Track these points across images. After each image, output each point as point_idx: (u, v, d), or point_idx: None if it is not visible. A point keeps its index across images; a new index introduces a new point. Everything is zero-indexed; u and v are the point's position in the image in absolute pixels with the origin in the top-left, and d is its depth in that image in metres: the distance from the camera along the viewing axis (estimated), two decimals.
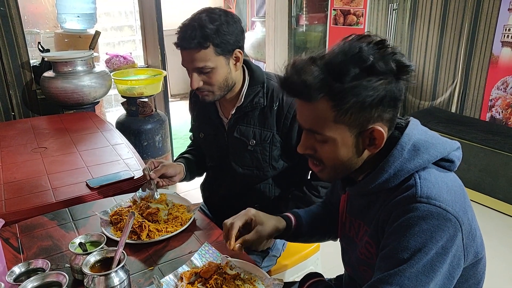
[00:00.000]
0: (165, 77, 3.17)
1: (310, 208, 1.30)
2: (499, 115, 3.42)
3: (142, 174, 1.48)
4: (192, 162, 1.66)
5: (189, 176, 1.64)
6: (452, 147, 0.92)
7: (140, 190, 1.52)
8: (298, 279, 1.24)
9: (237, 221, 1.10)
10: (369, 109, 0.84)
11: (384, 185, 0.90)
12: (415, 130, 0.92)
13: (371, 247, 0.95)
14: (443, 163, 0.91)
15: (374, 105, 0.84)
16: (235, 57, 1.40)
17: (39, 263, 1.03)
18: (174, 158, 3.39)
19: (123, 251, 1.03)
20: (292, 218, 1.21)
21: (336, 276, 1.33)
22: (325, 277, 1.33)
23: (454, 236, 0.82)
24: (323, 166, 0.95)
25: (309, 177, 1.61)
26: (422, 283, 0.79)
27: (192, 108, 1.69)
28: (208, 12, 1.36)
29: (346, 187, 1.03)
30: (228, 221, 1.12)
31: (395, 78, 0.85)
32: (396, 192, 0.88)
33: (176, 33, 1.38)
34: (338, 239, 1.27)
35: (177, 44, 1.36)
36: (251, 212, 1.13)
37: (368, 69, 0.82)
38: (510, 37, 3.22)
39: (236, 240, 1.08)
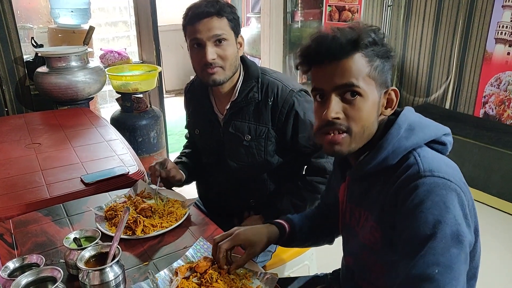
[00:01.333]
0: (160, 73, 3.16)
1: (305, 213, 1.31)
2: (493, 111, 3.44)
3: (153, 166, 1.47)
4: (190, 169, 1.66)
5: (185, 184, 1.65)
6: (444, 131, 0.97)
7: (135, 185, 1.52)
8: (293, 274, 1.25)
9: (223, 245, 1.09)
10: (387, 73, 0.96)
11: (383, 163, 0.93)
12: (410, 112, 0.98)
13: (376, 231, 0.95)
14: (436, 145, 0.95)
15: (388, 70, 0.96)
16: (239, 42, 1.45)
17: (34, 258, 1.03)
18: (170, 155, 3.42)
19: (118, 246, 1.03)
20: (286, 225, 1.21)
21: (332, 271, 1.34)
22: (320, 272, 1.34)
23: (463, 204, 0.83)
24: (349, 132, 0.94)
25: (304, 172, 1.62)
26: (455, 255, 0.77)
27: (187, 105, 1.69)
28: None
29: (346, 171, 1.05)
30: (217, 239, 1.11)
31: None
32: (397, 173, 0.90)
33: (185, 13, 1.41)
34: (333, 242, 1.29)
35: (192, 17, 1.38)
36: (239, 237, 1.11)
37: (380, 41, 0.94)
38: (503, 33, 3.23)
39: (228, 260, 1.10)
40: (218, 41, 1.38)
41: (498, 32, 3.26)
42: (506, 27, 3.20)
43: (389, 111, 0.97)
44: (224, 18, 1.38)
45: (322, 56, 0.93)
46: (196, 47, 1.40)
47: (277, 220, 1.23)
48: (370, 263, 0.99)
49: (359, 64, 0.92)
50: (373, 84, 0.93)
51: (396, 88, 0.97)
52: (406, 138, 0.92)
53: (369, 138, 0.96)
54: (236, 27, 1.43)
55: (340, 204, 1.12)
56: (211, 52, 1.38)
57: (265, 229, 1.18)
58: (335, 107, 0.93)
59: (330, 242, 1.30)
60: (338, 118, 0.93)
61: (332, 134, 0.94)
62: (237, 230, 1.13)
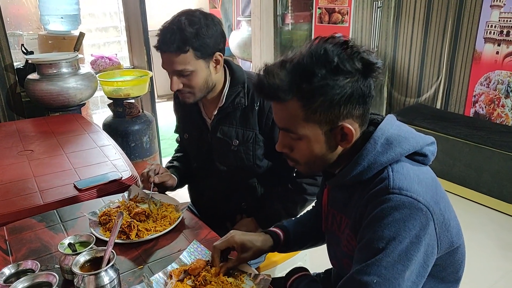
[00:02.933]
0: (151, 78, 3.16)
1: (300, 217, 1.33)
2: (483, 110, 3.48)
3: (146, 173, 1.48)
4: (182, 173, 1.67)
5: (177, 188, 1.65)
6: (425, 142, 0.96)
7: (129, 190, 1.52)
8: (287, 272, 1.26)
9: (219, 244, 1.12)
10: (338, 107, 0.88)
11: (359, 177, 0.93)
12: (389, 125, 0.96)
13: (352, 239, 0.97)
14: (417, 157, 0.95)
15: (342, 103, 0.88)
16: (215, 60, 1.41)
17: (29, 264, 1.03)
18: (162, 160, 3.41)
19: (113, 251, 1.03)
20: (281, 234, 1.22)
21: (325, 270, 1.35)
22: (313, 272, 1.35)
23: (426, 225, 0.85)
24: (298, 163, 1.00)
25: (294, 175, 1.63)
26: (398, 271, 0.82)
27: (176, 110, 1.69)
28: (188, 15, 1.35)
29: (325, 180, 1.07)
30: (215, 244, 1.14)
31: (363, 76, 0.88)
32: (370, 185, 0.91)
33: (156, 35, 1.38)
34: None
35: (157, 47, 1.37)
36: (234, 239, 1.13)
37: (334, 69, 0.86)
38: (492, 33, 3.28)
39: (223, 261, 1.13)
40: (181, 74, 1.37)
41: (487, 32, 3.31)
42: (495, 26, 3.25)
43: (345, 144, 0.94)
44: (188, 51, 1.33)
45: (265, 97, 0.97)
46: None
47: (271, 229, 1.24)
48: (350, 270, 1.01)
49: (293, 110, 0.90)
50: (312, 125, 0.91)
51: (349, 126, 0.90)
52: (383, 153, 0.91)
53: (328, 164, 0.98)
54: (205, 52, 1.36)
55: (322, 207, 1.14)
56: (175, 83, 1.39)
57: (260, 237, 1.19)
58: (282, 141, 0.99)
59: None
60: (285, 152, 1.00)
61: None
62: (233, 233, 1.15)
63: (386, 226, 0.83)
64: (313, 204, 1.36)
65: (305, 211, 1.40)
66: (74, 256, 1.05)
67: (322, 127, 0.91)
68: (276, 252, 1.64)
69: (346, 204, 1.01)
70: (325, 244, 1.30)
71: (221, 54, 1.42)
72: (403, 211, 0.84)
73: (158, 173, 1.49)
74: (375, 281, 0.81)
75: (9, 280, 0.99)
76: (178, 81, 1.39)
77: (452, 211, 0.94)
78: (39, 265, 1.02)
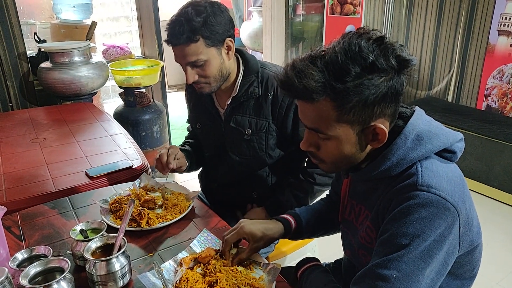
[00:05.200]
0: (162, 68, 3.17)
1: (313, 205, 1.32)
2: (495, 104, 3.44)
3: (166, 156, 1.45)
4: (193, 158, 1.67)
5: (187, 171, 1.66)
6: (455, 138, 0.94)
7: (139, 179, 1.54)
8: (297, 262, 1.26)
9: (229, 237, 1.12)
10: (372, 107, 0.85)
11: (387, 173, 0.92)
12: (420, 120, 0.93)
13: (371, 232, 0.96)
14: (445, 154, 0.93)
15: (376, 102, 0.85)
16: (226, 46, 1.41)
17: (42, 249, 1.04)
18: None
19: (124, 238, 1.05)
20: (292, 220, 1.22)
21: (335, 260, 1.35)
22: (323, 262, 1.36)
23: (452, 225, 0.83)
24: (324, 162, 0.97)
25: (305, 165, 1.63)
26: (419, 268, 0.81)
27: (189, 99, 1.70)
28: (194, 5, 1.35)
29: (349, 172, 1.04)
30: (224, 234, 1.14)
31: (397, 74, 0.85)
32: (397, 180, 0.90)
33: (165, 30, 1.38)
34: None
35: (167, 41, 1.37)
36: (244, 229, 1.13)
37: (369, 67, 0.83)
38: (506, 25, 3.22)
39: (232, 254, 1.13)
40: (195, 65, 1.37)
41: (501, 24, 3.25)
42: (509, 19, 3.19)
43: (376, 144, 0.91)
44: (199, 40, 1.33)
45: (293, 97, 0.92)
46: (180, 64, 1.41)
47: (283, 216, 1.24)
48: (366, 261, 1.00)
49: (325, 110, 0.86)
50: (344, 126, 0.88)
51: (382, 127, 0.88)
52: (413, 149, 0.89)
53: (356, 163, 0.96)
54: (216, 40, 1.36)
55: (341, 198, 1.13)
56: (191, 75, 1.38)
57: (270, 225, 1.18)
58: (308, 139, 0.95)
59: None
60: (311, 151, 0.96)
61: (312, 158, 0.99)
62: (243, 223, 1.15)
63: (411, 223, 0.82)
64: (327, 192, 1.36)
65: (316, 200, 1.40)
66: (85, 243, 1.07)
67: (354, 127, 0.88)
68: (285, 242, 1.66)
69: (368, 195, 1.00)
70: (335, 234, 1.31)
71: (232, 40, 1.42)
72: (430, 209, 0.82)
73: (175, 158, 1.48)
74: (394, 275, 0.81)
75: (22, 265, 1.01)
76: (193, 72, 1.39)
77: (474, 209, 0.93)
78: (51, 250, 1.04)
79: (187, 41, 1.32)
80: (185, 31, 1.31)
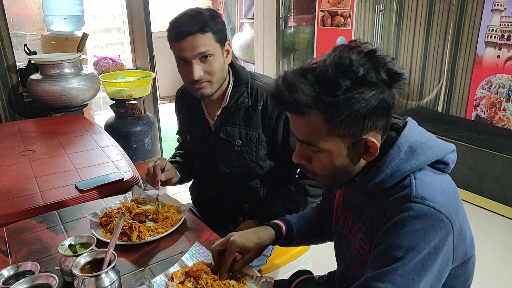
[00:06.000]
0: (154, 79, 3.16)
1: (304, 212, 1.31)
2: (484, 114, 3.47)
3: (152, 169, 1.44)
4: (184, 169, 1.65)
5: (179, 183, 1.64)
6: (448, 150, 0.94)
7: (130, 192, 1.52)
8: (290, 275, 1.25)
9: (226, 259, 1.10)
10: (362, 120, 0.85)
11: (381, 185, 0.91)
12: (412, 131, 0.93)
13: (365, 244, 0.96)
14: (438, 165, 0.92)
15: (367, 115, 0.85)
16: (226, 49, 1.44)
17: (28, 265, 1.02)
18: None
19: (114, 252, 1.03)
20: (283, 226, 1.21)
21: (328, 273, 1.34)
22: (316, 274, 1.34)
23: (446, 237, 0.83)
24: (316, 175, 0.97)
25: (296, 176, 1.62)
26: (414, 281, 0.81)
27: (178, 111, 1.69)
28: (196, 8, 1.40)
29: (343, 184, 1.03)
30: (214, 248, 1.12)
31: (388, 87, 0.85)
32: (391, 192, 0.89)
33: (169, 29, 1.39)
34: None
35: (175, 35, 1.36)
36: (234, 245, 1.10)
37: (359, 80, 0.82)
38: (493, 37, 3.28)
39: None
40: (204, 57, 1.37)
41: (488, 36, 3.30)
42: (496, 30, 3.24)
43: (368, 157, 0.91)
44: (209, 33, 1.36)
45: (284, 110, 0.92)
46: (183, 63, 1.40)
47: (274, 222, 1.23)
48: (359, 274, 0.99)
49: (315, 123, 0.86)
50: (335, 139, 0.88)
51: (373, 140, 0.87)
52: (406, 161, 0.89)
53: (350, 177, 0.95)
54: (221, 37, 1.40)
55: (334, 209, 1.13)
56: (197, 70, 1.38)
57: (261, 232, 1.17)
58: (299, 152, 0.95)
59: (332, 239, 1.28)
60: (303, 164, 0.96)
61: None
62: (232, 237, 1.12)
63: (406, 235, 0.82)
64: (319, 201, 1.35)
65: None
66: (74, 258, 1.04)
67: (345, 140, 0.88)
68: (278, 254, 1.65)
69: (362, 207, 0.99)
70: (328, 246, 1.30)
71: (230, 44, 1.46)
72: (424, 221, 0.82)
73: (164, 169, 1.46)
74: None
75: (8, 281, 0.99)
76: (199, 67, 1.38)
77: (468, 221, 0.93)
78: (38, 266, 1.02)
79: (199, 31, 1.34)
80: (197, 22, 1.34)
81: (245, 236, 1.13)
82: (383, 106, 0.85)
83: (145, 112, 3.15)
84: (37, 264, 1.03)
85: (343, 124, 0.85)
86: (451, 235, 0.84)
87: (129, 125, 2.99)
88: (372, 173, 0.92)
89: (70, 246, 1.10)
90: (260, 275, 1.11)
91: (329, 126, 0.86)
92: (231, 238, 1.12)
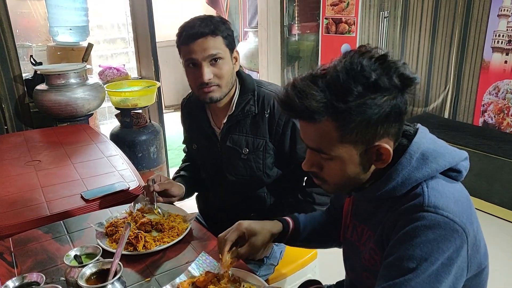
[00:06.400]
0: (158, 88, 3.17)
1: (313, 213, 1.30)
2: (492, 119, 3.44)
3: (146, 184, 1.47)
4: (190, 181, 1.65)
5: (186, 197, 1.63)
6: (461, 157, 0.92)
7: (136, 201, 1.51)
8: (299, 284, 1.23)
9: (229, 236, 1.10)
10: (375, 126, 0.84)
11: (391, 193, 0.89)
12: (424, 138, 0.91)
13: (375, 253, 0.94)
14: (451, 173, 0.90)
15: (379, 122, 0.83)
16: (234, 57, 1.45)
17: (34, 276, 1.01)
18: (170, 170, 3.40)
19: (119, 263, 1.01)
20: (290, 222, 1.21)
21: (336, 282, 1.32)
22: (324, 284, 1.32)
23: (460, 247, 0.81)
24: (326, 182, 0.95)
25: (304, 184, 1.61)
26: None
27: (184, 120, 1.68)
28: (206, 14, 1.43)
29: (352, 191, 1.02)
30: (221, 235, 1.12)
31: (400, 92, 0.84)
32: (403, 200, 0.87)
33: (179, 32, 1.40)
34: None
35: (186, 37, 1.37)
36: (242, 226, 1.12)
37: (371, 86, 0.81)
38: (500, 42, 3.26)
39: (231, 253, 1.09)
40: (214, 60, 1.38)
41: (494, 41, 3.28)
42: (503, 35, 3.22)
43: (380, 164, 0.89)
44: (219, 37, 1.38)
45: (294, 117, 0.90)
46: (192, 66, 1.40)
47: (283, 217, 1.23)
48: (369, 284, 0.97)
49: (327, 130, 0.85)
50: (347, 146, 0.86)
51: (387, 146, 0.86)
52: (418, 169, 0.87)
53: (360, 184, 0.94)
54: (230, 43, 1.42)
55: (343, 217, 1.11)
56: (207, 72, 1.37)
57: (269, 223, 1.17)
58: (310, 160, 0.93)
59: (339, 245, 1.26)
60: (314, 171, 0.94)
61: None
62: (240, 221, 1.14)
63: (418, 246, 0.80)
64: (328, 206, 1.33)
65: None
66: (80, 269, 1.03)
67: (357, 147, 0.86)
68: (285, 264, 1.63)
69: (371, 216, 0.97)
70: (336, 254, 1.27)
71: (238, 52, 1.47)
72: (438, 231, 0.80)
73: (158, 181, 1.46)
74: None
75: None
76: (209, 70, 1.38)
77: (481, 230, 0.91)
78: (44, 277, 1.01)
79: (211, 33, 1.36)
80: (208, 24, 1.36)
81: (254, 222, 1.14)
82: (395, 112, 0.84)
83: (150, 121, 3.15)
84: (43, 275, 1.01)
85: (355, 130, 0.84)
86: (466, 245, 0.82)
87: (134, 134, 2.99)
88: (383, 181, 0.90)
89: (76, 256, 1.09)
90: (267, 285, 1.09)
91: (341, 133, 0.84)
92: (239, 222, 1.13)
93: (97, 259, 1.07)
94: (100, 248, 1.12)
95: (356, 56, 0.84)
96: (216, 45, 1.37)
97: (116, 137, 2.99)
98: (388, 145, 0.86)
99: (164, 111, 3.59)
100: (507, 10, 3.16)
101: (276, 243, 1.54)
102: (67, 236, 1.36)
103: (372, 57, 0.83)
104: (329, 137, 0.86)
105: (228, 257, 1.08)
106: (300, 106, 0.83)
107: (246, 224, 1.12)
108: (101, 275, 1.02)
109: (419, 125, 0.96)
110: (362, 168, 0.90)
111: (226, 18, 5.67)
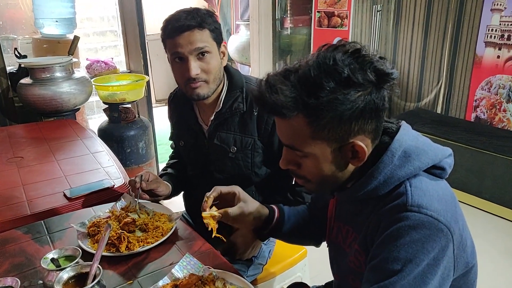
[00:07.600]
0: (148, 82, 3.11)
1: (296, 207, 1.27)
2: (484, 115, 3.43)
3: (133, 179, 1.42)
4: (177, 180, 1.61)
5: (173, 195, 1.59)
6: (444, 154, 0.89)
7: (121, 199, 1.46)
8: (286, 287, 1.20)
9: (220, 187, 1.12)
10: (348, 123, 0.81)
11: (374, 193, 0.86)
12: (406, 135, 0.88)
13: (360, 255, 0.91)
14: (434, 170, 0.88)
15: (353, 118, 0.80)
16: (222, 51, 1.41)
17: (8, 281, 0.97)
18: (159, 166, 3.36)
19: (99, 266, 0.97)
20: (276, 210, 1.19)
21: (325, 283, 1.29)
22: (313, 284, 1.29)
23: (445, 247, 0.78)
24: (306, 180, 0.92)
25: (293, 183, 1.57)
26: None
27: (171, 115, 1.64)
28: (192, 7, 1.38)
29: (334, 192, 0.99)
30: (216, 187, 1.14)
31: (376, 88, 0.80)
32: (386, 200, 0.84)
33: (164, 26, 1.35)
34: (320, 245, 1.24)
35: (172, 30, 1.32)
36: (236, 188, 1.13)
37: (344, 81, 0.78)
38: (493, 37, 3.24)
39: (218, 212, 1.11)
40: (201, 54, 1.34)
41: (487, 36, 3.26)
42: (496, 30, 3.20)
43: (356, 162, 0.86)
44: (206, 30, 1.33)
45: (267, 112, 0.89)
46: (178, 61, 1.35)
47: (269, 205, 1.22)
48: (355, 287, 0.95)
49: (299, 126, 0.82)
50: (320, 143, 0.84)
51: (361, 144, 0.83)
52: (400, 167, 0.84)
53: (339, 183, 0.91)
54: (218, 37, 1.38)
55: (328, 218, 1.08)
56: (194, 67, 1.33)
57: (259, 204, 1.17)
58: (286, 157, 0.92)
59: (316, 244, 1.25)
60: (292, 170, 0.92)
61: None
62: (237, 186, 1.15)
63: (403, 247, 0.77)
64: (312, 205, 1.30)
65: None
66: (58, 272, 0.99)
67: (331, 144, 0.83)
68: (274, 263, 1.60)
69: (355, 217, 0.94)
70: (322, 251, 1.25)
71: (226, 46, 1.42)
72: (422, 231, 0.77)
73: (147, 179, 1.42)
74: None
75: None
76: (196, 64, 1.34)
77: (467, 228, 0.88)
78: (19, 282, 0.96)
79: (197, 26, 1.31)
80: (194, 17, 1.31)
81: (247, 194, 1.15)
82: (371, 108, 0.80)
83: (139, 116, 3.10)
84: (17, 279, 0.97)
85: (327, 127, 0.81)
86: (451, 244, 0.80)
87: (122, 129, 2.93)
88: (364, 180, 0.87)
89: (53, 260, 1.04)
90: (252, 286, 1.05)
91: (313, 129, 0.82)
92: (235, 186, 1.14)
93: (76, 262, 1.03)
94: (80, 250, 1.08)
95: (330, 50, 0.81)
96: (203, 38, 1.33)
97: (104, 132, 2.93)
98: (363, 143, 0.83)
99: (154, 105, 3.55)
100: (500, 4, 3.14)
101: (265, 242, 1.52)
102: (47, 237, 1.31)
103: (346, 52, 0.80)
104: (301, 134, 0.83)
105: (208, 206, 1.11)
106: (269, 101, 0.81)
107: (240, 188, 1.13)
108: (80, 279, 0.98)
109: (402, 122, 0.93)
110: (337, 166, 0.87)
111: (218, 11, 5.64)
